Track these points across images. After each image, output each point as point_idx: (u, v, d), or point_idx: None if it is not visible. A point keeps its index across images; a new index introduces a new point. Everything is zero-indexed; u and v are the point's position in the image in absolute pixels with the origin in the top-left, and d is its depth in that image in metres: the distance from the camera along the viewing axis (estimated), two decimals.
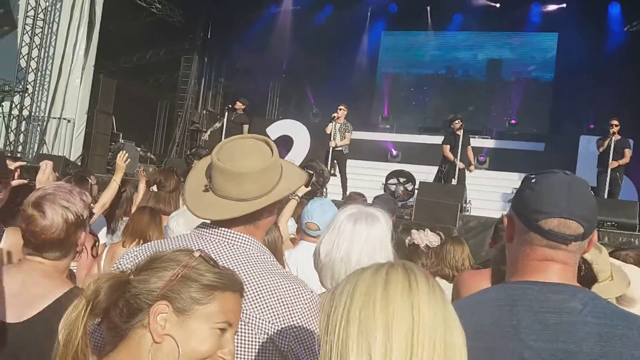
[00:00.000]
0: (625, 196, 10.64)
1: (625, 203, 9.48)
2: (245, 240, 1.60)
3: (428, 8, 17.25)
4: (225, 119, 11.91)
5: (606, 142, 10.12)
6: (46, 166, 2.73)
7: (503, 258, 1.58)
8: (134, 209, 4.18)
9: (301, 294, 1.52)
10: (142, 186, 4.49)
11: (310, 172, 9.33)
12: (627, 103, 12.66)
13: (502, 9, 16.26)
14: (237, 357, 1.44)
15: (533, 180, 1.41)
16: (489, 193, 12.53)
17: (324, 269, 1.88)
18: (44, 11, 13.11)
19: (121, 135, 14.93)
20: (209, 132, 12.20)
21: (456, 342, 0.97)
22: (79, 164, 12.38)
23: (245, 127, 11.87)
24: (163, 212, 3.84)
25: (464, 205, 9.95)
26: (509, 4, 15.88)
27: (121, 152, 4.43)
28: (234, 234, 1.59)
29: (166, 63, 17.84)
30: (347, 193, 9.19)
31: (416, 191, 10.16)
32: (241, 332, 1.46)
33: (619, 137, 10.10)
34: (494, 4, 16.36)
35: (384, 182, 10.69)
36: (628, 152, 10.15)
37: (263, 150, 1.62)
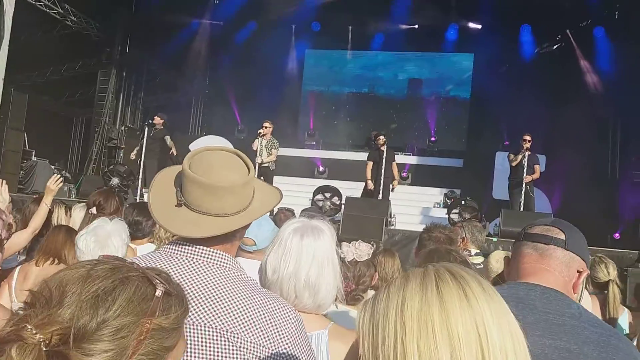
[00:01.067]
0: (540, 208, 11.21)
1: (541, 215, 9.97)
2: (223, 259, 1.48)
3: (350, 27, 17.60)
4: (145, 135, 11.56)
5: (519, 157, 10.60)
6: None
7: (429, 260, 1.66)
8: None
9: (288, 313, 1.45)
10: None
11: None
12: (539, 120, 13.38)
13: (421, 30, 16.85)
14: None
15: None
16: (412, 207, 12.84)
17: (272, 287, 1.81)
18: None
19: (34, 153, 14.14)
20: (135, 152, 11.76)
21: (523, 347, 0.88)
22: None
23: (167, 138, 11.58)
24: None
25: (389, 219, 10.12)
26: (427, 26, 16.47)
27: (54, 175, 4.23)
28: (211, 252, 1.47)
29: (82, 77, 17.10)
30: (276, 209, 9.11)
31: (343, 206, 10.24)
32: (229, 354, 1.37)
33: (529, 152, 10.62)
34: (412, 26, 16.93)
35: (311, 198, 10.70)
36: (537, 168, 10.68)
37: (239, 163, 1.52)
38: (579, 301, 2.55)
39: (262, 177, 10.72)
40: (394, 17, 16.26)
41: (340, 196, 10.56)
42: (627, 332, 3.80)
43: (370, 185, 10.76)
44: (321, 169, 15.22)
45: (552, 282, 1.51)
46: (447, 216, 10.54)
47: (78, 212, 4.28)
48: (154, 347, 0.88)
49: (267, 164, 10.78)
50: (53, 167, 15.02)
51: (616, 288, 3.99)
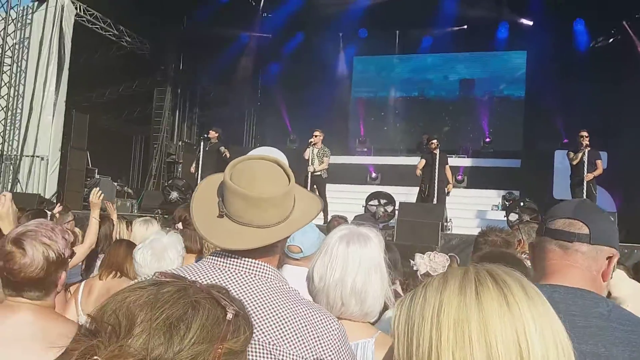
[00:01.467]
0: (603, 207, 10.77)
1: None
2: (266, 270, 1.47)
3: (397, 32, 17.52)
4: (201, 149, 11.86)
5: (579, 155, 10.26)
6: (5, 198, 2.64)
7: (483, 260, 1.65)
8: None
9: (330, 324, 1.44)
10: (113, 219, 4.44)
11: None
12: (598, 116, 12.92)
13: (470, 30, 16.59)
14: None
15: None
16: (468, 211, 12.60)
17: (319, 294, 1.81)
18: (11, 49, 12.98)
19: (97, 171, 14.72)
20: (193, 166, 12.08)
21: (569, 356, 0.83)
22: (54, 201, 12.15)
23: (222, 148, 11.81)
24: (189, 249, 3.64)
25: (445, 223, 9.98)
26: (477, 25, 16.19)
27: (94, 189, 4.33)
28: (254, 263, 1.47)
29: (139, 96, 17.75)
30: (329, 217, 9.14)
31: (396, 212, 10.16)
32: None
33: (589, 148, 10.26)
34: (461, 27, 16.68)
35: (364, 204, 10.67)
36: (600, 164, 10.30)
37: (280, 172, 1.51)
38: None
39: (315, 186, 10.80)
40: (442, 18, 16.06)
41: (393, 202, 10.50)
42: None
43: (419, 171, 10.68)
44: (374, 175, 15.17)
45: (578, 280, 1.42)
46: (505, 219, 10.28)
47: (139, 227, 4.41)
48: None
49: (319, 173, 10.82)
50: (115, 183, 15.61)
51: None
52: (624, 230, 9.29)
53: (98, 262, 3.98)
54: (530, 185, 12.93)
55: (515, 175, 14.12)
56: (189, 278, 1.20)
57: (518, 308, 0.82)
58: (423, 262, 3.30)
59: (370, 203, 10.63)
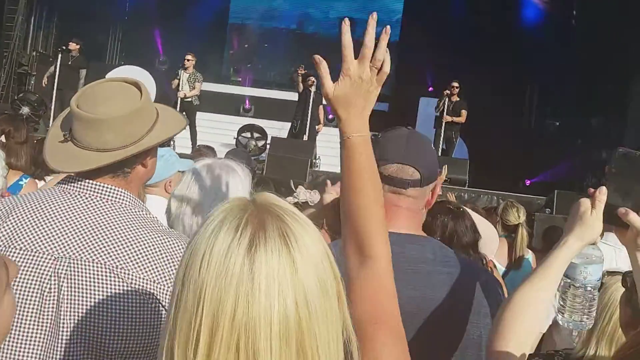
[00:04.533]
0: (458, 155, 11.54)
1: (457, 160, 10.27)
2: (121, 195, 1.43)
3: None
4: (58, 62, 10.86)
5: (441, 103, 10.84)
6: None
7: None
8: None
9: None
10: None
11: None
12: (467, 69, 13.61)
13: None
14: (123, 318, 1.32)
15: (379, 135, 1.50)
16: (336, 149, 12.83)
17: (175, 222, 1.76)
18: None
19: None
20: (45, 78, 11.06)
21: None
22: None
23: (83, 72, 10.94)
24: (12, 166, 3.37)
25: (314, 160, 10.13)
26: None
27: None
28: (104, 187, 1.42)
29: None
30: (196, 146, 8.90)
31: (268, 146, 10.12)
32: (119, 290, 1.33)
33: (457, 98, 10.84)
34: None
35: (236, 136, 10.50)
36: (464, 113, 10.96)
37: (130, 93, 1.44)
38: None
39: (184, 112, 10.36)
40: None
41: (266, 136, 10.43)
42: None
43: None
44: (247, 106, 14.90)
45: (409, 223, 1.46)
46: None
47: None
48: None
49: (189, 99, 10.44)
50: None
51: (524, 231, 4.21)
52: (471, 176, 10.07)
53: None
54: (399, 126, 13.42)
55: (382, 118, 14.43)
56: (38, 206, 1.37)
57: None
58: (304, 192, 3.48)
59: (242, 135, 10.48)
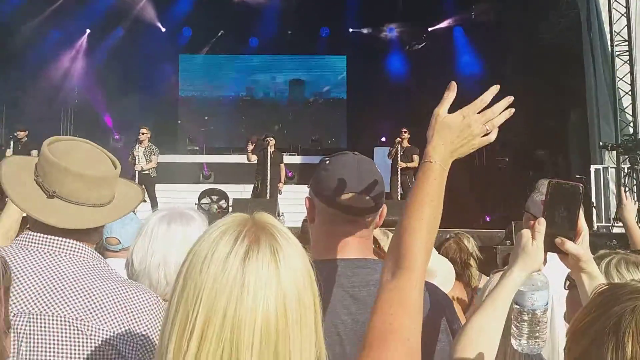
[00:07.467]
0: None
1: None
2: (82, 250, 1.46)
3: (221, 31, 17.49)
4: (11, 149, 10.81)
5: (394, 150, 11.22)
6: None
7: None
8: None
9: (147, 299, 1.44)
10: None
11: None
12: (414, 116, 14.11)
13: (294, 34, 17.18)
14: None
15: (327, 162, 1.50)
16: (300, 205, 12.93)
17: (140, 277, 1.74)
18: None
19: None
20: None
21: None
22: None
23: (34, 152, 10.86)
24: None
25: (278, 217, 10.17)
26: (299, 29, 16.81)
27: None
28: (62, 241, 1.44)
29: None
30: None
31: (230, 208, 10.14)
32: (79, 343, 1.34)
33: (408, 145, 11.20)
34: (286, 30, 17.19)
35: (197, 202, 10.48)
36: (416, 158, 11.28)
37: (103, 155, 1.55)
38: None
39: (143, 185, 10.33)
40: (266, 22, 16.40)
41: (227, 198, 10.46)
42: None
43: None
44: (207, 173, 14.93)
45: (362, 248, 1.46)
46: None
47: None
48: None
49: (147, 171, 10.43)
50: None
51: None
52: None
53: None
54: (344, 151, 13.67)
55: None
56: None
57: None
58: None
59: (202, 201, 10.47)
